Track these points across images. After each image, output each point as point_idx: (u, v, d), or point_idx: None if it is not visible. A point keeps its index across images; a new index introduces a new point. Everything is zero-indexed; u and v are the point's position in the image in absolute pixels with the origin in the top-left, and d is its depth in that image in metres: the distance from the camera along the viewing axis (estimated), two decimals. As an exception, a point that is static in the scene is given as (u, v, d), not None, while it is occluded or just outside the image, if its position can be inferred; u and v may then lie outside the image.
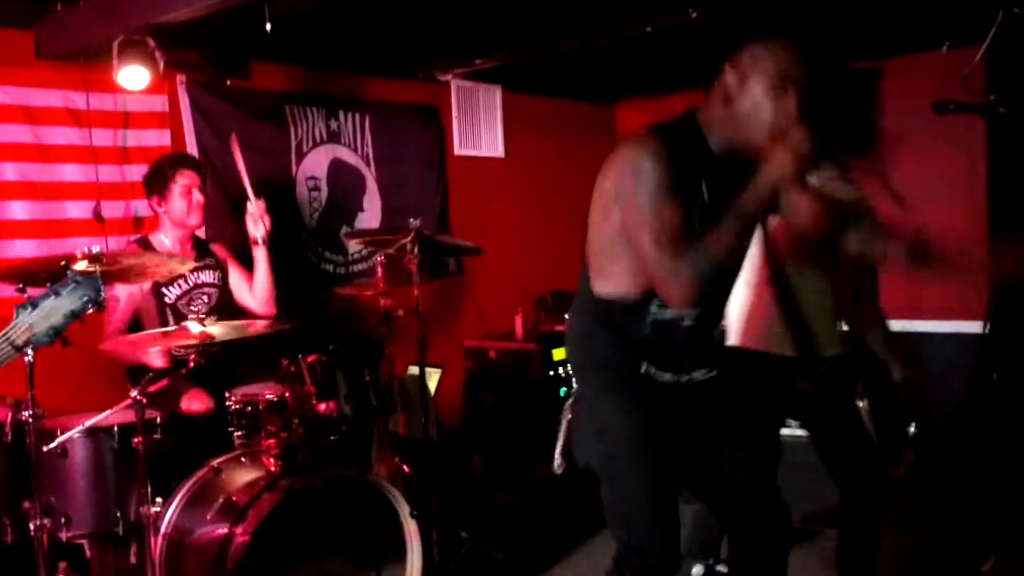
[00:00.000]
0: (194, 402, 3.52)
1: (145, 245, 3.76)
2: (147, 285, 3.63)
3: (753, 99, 2.13)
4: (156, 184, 3.75)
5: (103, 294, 2.25)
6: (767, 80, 2.12)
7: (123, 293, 3.60)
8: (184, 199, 3.73)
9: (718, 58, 2.22)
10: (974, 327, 4.86)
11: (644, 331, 2.23)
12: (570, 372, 2.51)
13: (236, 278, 3.96)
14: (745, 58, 2.17)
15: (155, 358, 3.37)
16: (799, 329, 2.96)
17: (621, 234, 2.18)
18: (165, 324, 3.63)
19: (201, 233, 4.03)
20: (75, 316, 2.21)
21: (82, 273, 2.25)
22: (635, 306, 2.22)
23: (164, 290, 3.69)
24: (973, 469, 4.32)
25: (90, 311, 2.25)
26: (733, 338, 3.05)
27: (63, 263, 2.51)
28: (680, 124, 2.22)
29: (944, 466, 4.51)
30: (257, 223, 3.82)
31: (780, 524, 2.40)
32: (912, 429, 4.65)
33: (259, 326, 3.25)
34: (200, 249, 3.89)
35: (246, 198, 3.82)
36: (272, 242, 3.88)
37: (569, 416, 2.53)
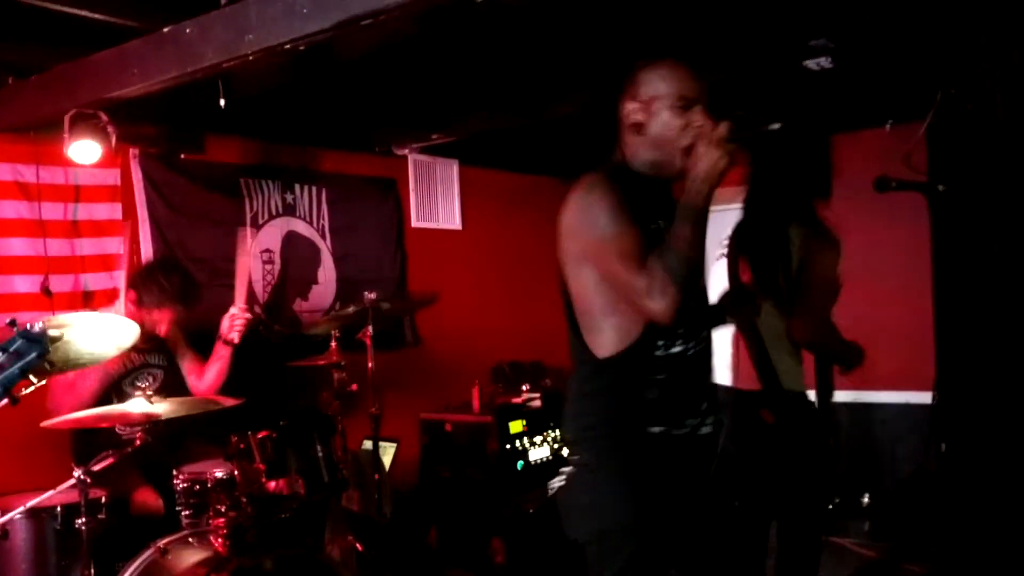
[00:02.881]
0: (144, 503, 3.44)
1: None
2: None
3: (661, 122, 2.20)
4: (144, 295, 3.65)
5: (50, 349, 2.21)
6: (668, 102, 2.19)
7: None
8: (159, 322, 3.67)
9: (606, 92, 2.30)
10: (926, 397, 4.92)
11: (656, 374, 2.20)
12: (562, 441, 2.45)
13: (184, 361, 3.90)
14: (641, 86, 2.23)
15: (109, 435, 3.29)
16: (763, 361, 3.08)
17: (601, 283, 2.19)
18: (108, 403, 3.55)
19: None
20: (24, 373, 2.17)
21: (30, 330, 2.22)
22: (641, 350, 2.20)
23: (108, 369, 3.61)
24: (924, 539, 4.35)
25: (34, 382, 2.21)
26: (728, 380, 3.19)
27: (10, 320, 2.46)
28: (605, 164, 2.29)
29: (897, 535, 4.54)
30: (232, 329, 3.78)
31: None
32: (866, 499, 4.68)
33: (206, 403, 3.20)
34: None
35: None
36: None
37: (560, 484, 2.47)
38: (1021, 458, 3.34)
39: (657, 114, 2.20)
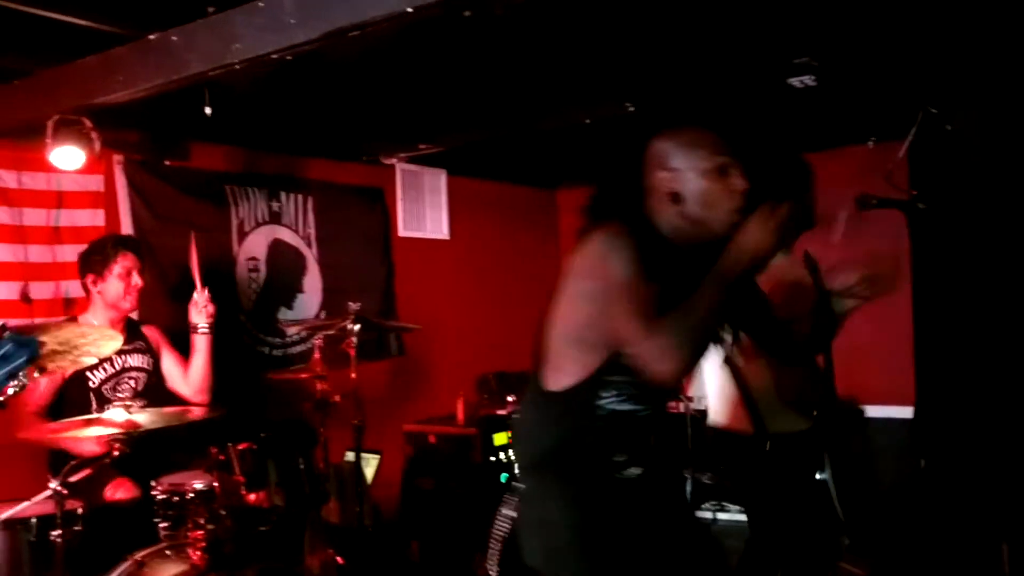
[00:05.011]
0: (119, 491, 3.40)
1: (74, 323, 3.66)
2: (69, 369, 3.54)
3: (701, 191, 2.16)
4: (94, 263, 3.68)
5: (40, 352, 2.22)
6: (704, 167, 2.16)
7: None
8: (122, 281, 3.67)
9: (630, 156, 2.27)
10: (907, 411, 4.95)
11: (596, 422, 2.18)
12: (515, 468, 2.45)
13: (169, 363, 3.88)
14: (672, 156, 2.20)
15: (86, 445, 3.26)
16: (751, 407, 3.12)
17: (585, 329, 2.16)
18: (88, 410, 3.53)
19: (135, 315, 3.94)
20: (12, 376, 2.17)
21: (18, 333, 2.21)
22: (586, 398, 2.18)
23: (89, 373, 3.59)
24: (903, 554, 4.36)
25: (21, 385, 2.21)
26: (718, 419, 3.27)
27: (0, 324, 2.45)
28: (634, 218, 2.23)
29: (877, 550, 4.54)
30: (201, 311, 3.78)
31: None
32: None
33: (186, 414, 3.18)
34: (131, 331, 3.81)
35: (190, 284, 3.78)
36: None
37: (512, 515, 2.47)
38: (999, 471, 3.36)
39: (694, 182, 2.17)
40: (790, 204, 2.05)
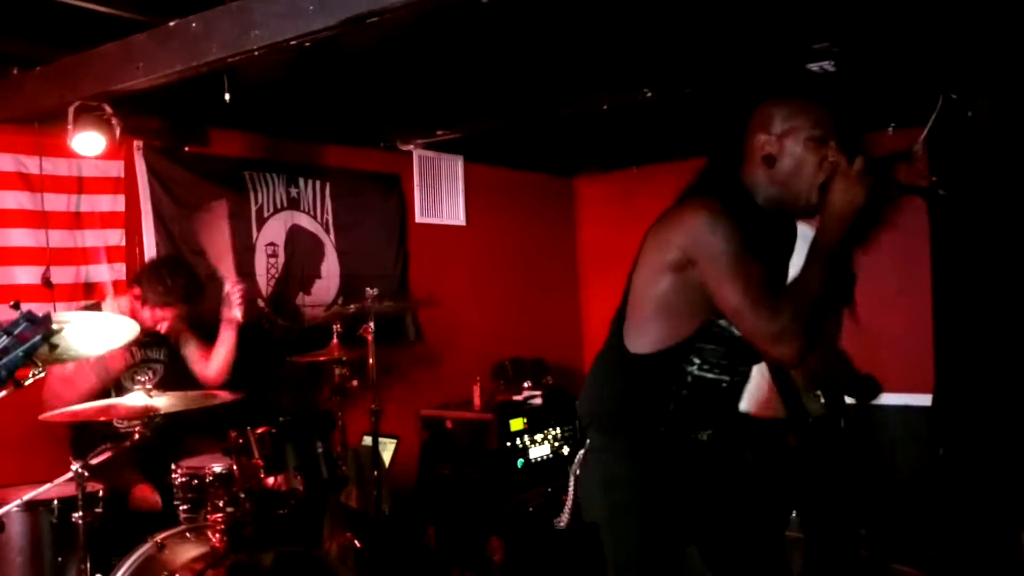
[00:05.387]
0: (143, 498, 3.45)
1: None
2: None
3: (794, 158, 2.17)
4: (149, 293, 3.65)
5: (53, 330, 2.24)
6: (804, 136, 2.16)
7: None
8: (155, 321, 3.68)
9: (734, 121, 2.27)
10: (926, 399, 4.93)
11: (682, 389, 2.21)
12: (580, 425, 2.46)
13: (189, 348, 3.91)
14: (776, 120, 2.20)
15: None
16: (789, 393, 3.21)
17: (674, 295, 2.18)
18: (107, 397, 3.56)
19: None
20: (28, 356, 2.19)
21: (33, 313, 2.24)
22: (674, 362, 2.21)
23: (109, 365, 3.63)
24: (917, 541, 4.37)
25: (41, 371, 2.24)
26: (751, 407, 3.24)
27: (14, 302, 2.48)
28: (728, 187, 2.24)
29: (892, 537, 4.55)
30: (233, 307, 3.80)
31: None
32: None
33: (205, 399, 3.20)
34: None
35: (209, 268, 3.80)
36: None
37: (577, 471, 2.50)
38: (1017, 461, 3.35)
39: (792, 148, 2.17)
40: (862, 157, 2.04)
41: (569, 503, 2.53)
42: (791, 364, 2.12)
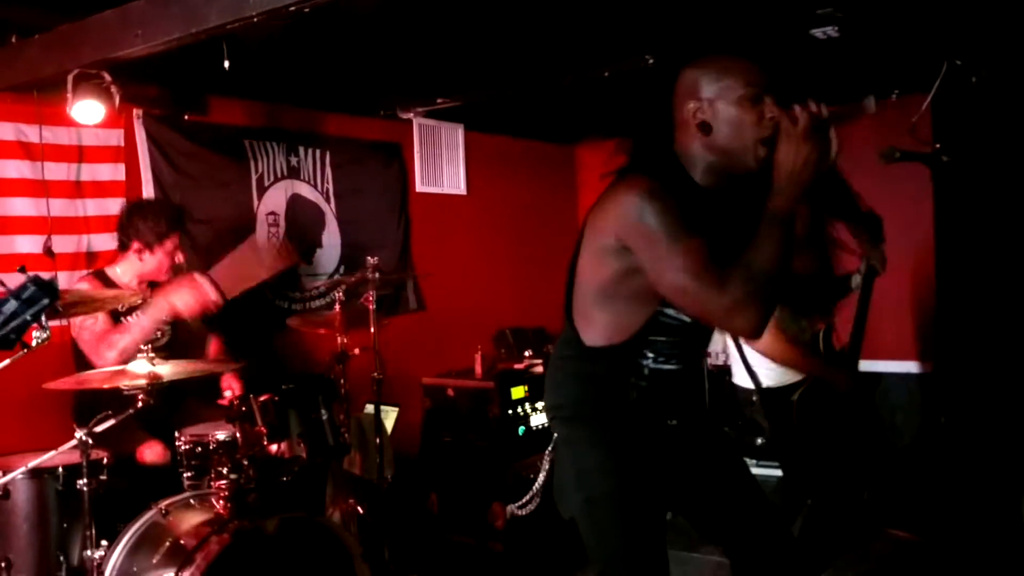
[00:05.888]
0: (150, 453, 3.46)
1: (102, 278, 3.70)
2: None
3: (730, 119, 2.06)
4: (145, 232, 3.66)
5: (59, 295, 2.27)
6: (737, 95, 2.05)
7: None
8: (168, 258, 3.71)
9: (658, 92, 2.19)
10: (927, 367, 4.95)
11: (640, 380, 2.17)
12: (547, 417, 2.43)
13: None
14: (703, 83, 2.10)
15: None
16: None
17: (614, 285, 2.12)
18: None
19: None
20: (36, 318, 2.22)
21: (40, 277, 2.25)
22: (628, 356, 2.16)
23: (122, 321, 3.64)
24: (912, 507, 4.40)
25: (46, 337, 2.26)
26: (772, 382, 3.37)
27: (20, 267, 2.50)
28: (662, 162, 2.15)
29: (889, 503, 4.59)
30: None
31: (794, 562, 2.31)
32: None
33: (209, 367, 3.22)
34: (153, 288, 3.82)
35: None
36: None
37: (547, 465, 2.48)
38: (1016, 430, 3.36)
39: (726, 111, 2.06)
40: (806, 112, 1.91)
41: (533, 491, 2.52)
42: (751, 335, 2.03)
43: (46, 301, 2.20)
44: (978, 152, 2.92)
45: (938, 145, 2.64)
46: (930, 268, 3.85)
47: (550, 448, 2.38)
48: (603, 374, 2.20)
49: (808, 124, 1.92)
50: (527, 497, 2.62)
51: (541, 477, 2.47)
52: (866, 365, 4.94)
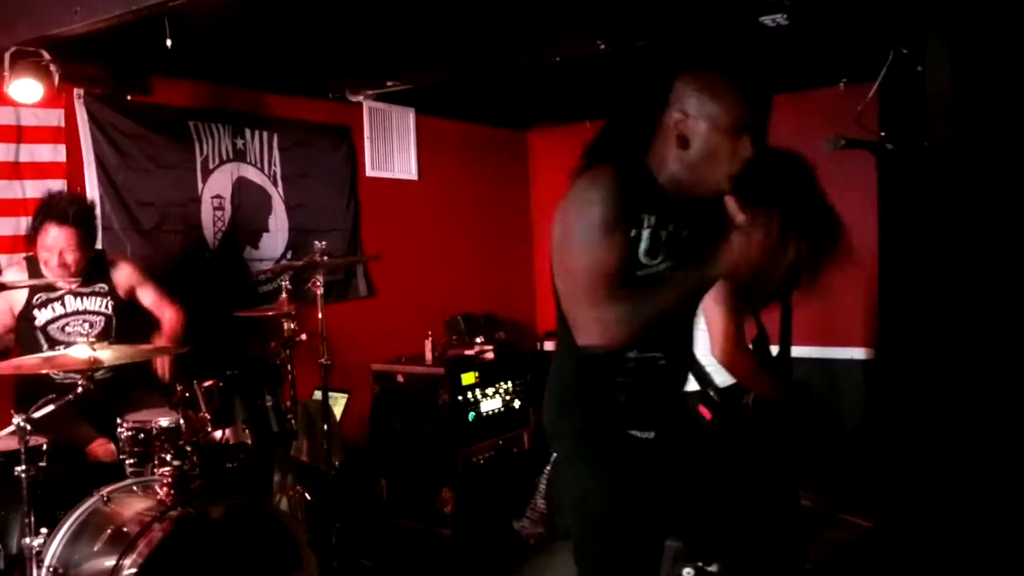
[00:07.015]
0: (101, 451, 3.40)
1: (32, 264, 3.60)
2: (18, 306, 3.51)
3: (709, 144, 2.08)
4: (32, 223, 3.54)
5: None
6: (722, 123, 2.07)
7: None
8: (49, 253, 3.50)
9: (654, 89, 2.18)
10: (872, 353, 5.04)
11: (627, 376, 2.17)
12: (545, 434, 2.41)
13: (148, 299, 3.84)
14: (694, 99, 2.10)
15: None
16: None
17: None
18: (39, 349, 3.50)
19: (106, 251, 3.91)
20: None
21: None
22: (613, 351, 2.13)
23: (35, 312, 3.56)
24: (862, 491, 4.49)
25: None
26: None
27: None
28: (630, 160, 2.16)
29: (836, 487, 4.67)
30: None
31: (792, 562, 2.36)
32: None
33: (150, 352, 3.16)
34: (95, 272, 3.71)
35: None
36: (174, 263, 3.78)
37: (545, 484, 2.46)
38: (956, 413, 3.42)
39: (707, 134, 2.08)
40: (777, 218, 1.93)
41: (535, 512, 2.51)
42: (588, 350, 2.05)
43: None
44: (922, 140, 2.97)
45: (883, 133, 2.67)
46: (875, 255, 3.91)
47: (547, 469, 2.38)
48: (593, 375, 2.19)
49: (764, 239, 1.93)
50: (532, 524, 2.60)
51: (538, 501, 2.47)
52: (815, 352, 5.08)
